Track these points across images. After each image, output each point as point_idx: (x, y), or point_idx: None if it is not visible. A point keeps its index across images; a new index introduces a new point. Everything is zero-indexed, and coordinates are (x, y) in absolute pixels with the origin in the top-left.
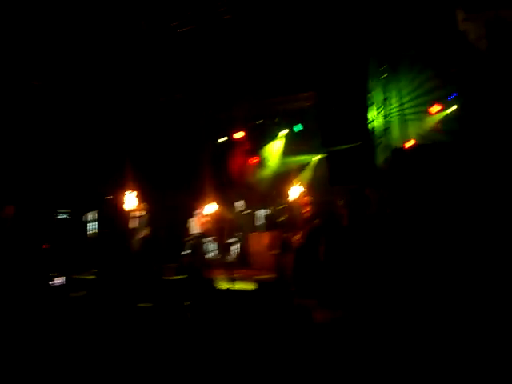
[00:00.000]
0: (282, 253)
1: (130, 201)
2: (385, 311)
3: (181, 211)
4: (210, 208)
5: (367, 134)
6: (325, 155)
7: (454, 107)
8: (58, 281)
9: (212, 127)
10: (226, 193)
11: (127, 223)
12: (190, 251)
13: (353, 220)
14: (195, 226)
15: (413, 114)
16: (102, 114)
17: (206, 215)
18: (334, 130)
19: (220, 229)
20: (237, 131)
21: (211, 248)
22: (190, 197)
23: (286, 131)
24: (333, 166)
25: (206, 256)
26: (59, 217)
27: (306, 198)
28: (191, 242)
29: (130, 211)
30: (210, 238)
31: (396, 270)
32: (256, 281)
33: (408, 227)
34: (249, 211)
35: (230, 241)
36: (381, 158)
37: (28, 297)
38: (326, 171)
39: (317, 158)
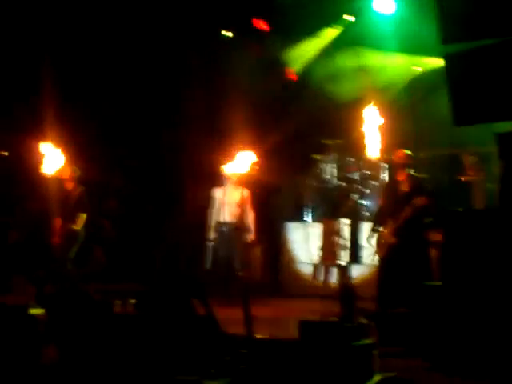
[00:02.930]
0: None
1: (51, 160)
2: None
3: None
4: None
5: None
6: (442, 63)
7: None
8: None
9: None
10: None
11: (44, 204)
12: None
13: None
14: (229, 203)
15: None
16: None
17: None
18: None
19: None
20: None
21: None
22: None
23: (351, 18)
24: (460, 84)
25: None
26: None
27: (400, 154)
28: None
29: (51, 179)
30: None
31: None
32: (301, 323)
33: None
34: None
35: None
36: None
37: None
38: (446, 98)
39: (423, 68)
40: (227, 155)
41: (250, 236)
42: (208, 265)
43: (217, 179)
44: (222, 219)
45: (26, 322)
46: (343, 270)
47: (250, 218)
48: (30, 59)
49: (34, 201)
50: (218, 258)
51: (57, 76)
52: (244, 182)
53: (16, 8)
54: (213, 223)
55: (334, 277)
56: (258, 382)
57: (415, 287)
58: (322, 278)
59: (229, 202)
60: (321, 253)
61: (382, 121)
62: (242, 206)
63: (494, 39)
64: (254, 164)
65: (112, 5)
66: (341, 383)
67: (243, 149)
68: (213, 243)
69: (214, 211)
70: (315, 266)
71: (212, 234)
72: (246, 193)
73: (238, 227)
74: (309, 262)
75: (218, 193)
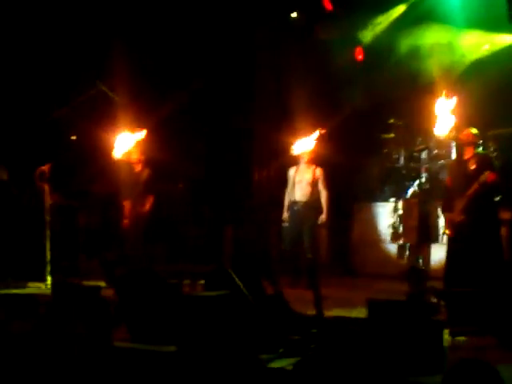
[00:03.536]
0: (419, 242)
1: (120, 143)
2: None
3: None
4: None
5: None
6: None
7: None
8: None
9: None
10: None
11: (113, 187)
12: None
13: None
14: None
15: None
16: None
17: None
18: None
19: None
20: None
21: None
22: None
23: None
24: None
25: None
26: None
27: (467, 133)
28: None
29: (119, 162)
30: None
31: None
32: (369, 302)
33: None
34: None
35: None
36: None
37: None
38: None
39: (493, 45)
40: (297, 134)
41: (323, 216)
42: (283, 245)
43: (289, 158)
44: (293, 198)
45: (98, 304)
46: (413, 250)
47: (324, 197)
48: (101, 39)
49: (103, 184)
50: (289, 238)
51: (128, 59)
52: (316, 160)
53: None
54: (286, 202)
55: (404, 257)
56: (328, 361)
57: (485, 265)
58: (393, 257)
59: (300, 181)
60: (390, 233)
61: (451, 99)
62: (313, 184)
63: None
64: (322, 142)
65: None
66: (410, 362)
67: (312, 127)
68: (286, 223)
69: (288, 190)
70: (394, 247)
71: (285, 214)
72: (319, 171)
73: (309, 206)
74: (378, 242)
75: (291, 172)
